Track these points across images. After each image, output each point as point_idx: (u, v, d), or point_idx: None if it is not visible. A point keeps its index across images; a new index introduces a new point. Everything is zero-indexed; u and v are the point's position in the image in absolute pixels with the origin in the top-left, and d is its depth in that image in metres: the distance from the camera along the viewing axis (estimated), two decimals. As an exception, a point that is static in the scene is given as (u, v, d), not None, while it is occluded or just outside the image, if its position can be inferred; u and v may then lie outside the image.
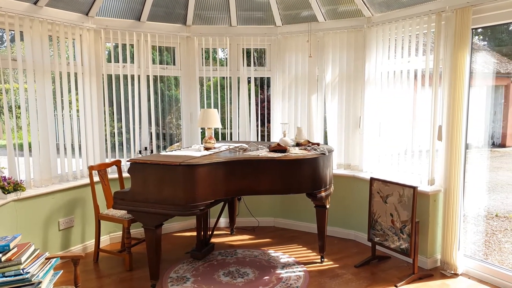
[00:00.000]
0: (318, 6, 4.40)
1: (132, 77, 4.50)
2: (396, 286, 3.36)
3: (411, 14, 3.79)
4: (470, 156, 4.29)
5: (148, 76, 4.56)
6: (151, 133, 4.65)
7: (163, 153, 3.72)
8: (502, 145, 7.38)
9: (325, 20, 4.54)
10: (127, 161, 3.50)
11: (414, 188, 3.43)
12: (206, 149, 3.80)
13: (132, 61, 4.49)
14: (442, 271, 3.62)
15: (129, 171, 3.20)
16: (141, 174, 3.15)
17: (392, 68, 4.05)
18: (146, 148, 4.60)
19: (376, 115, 4.26)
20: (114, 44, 4.43)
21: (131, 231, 3.71)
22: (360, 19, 4.33)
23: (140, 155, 4.51)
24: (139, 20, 4.45)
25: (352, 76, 4.44)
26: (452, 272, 3.55)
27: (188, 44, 4.76)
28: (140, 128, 4.56)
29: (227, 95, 4.89)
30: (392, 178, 3.78)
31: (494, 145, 7.37)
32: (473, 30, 3.43)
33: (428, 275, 3.56)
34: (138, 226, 3.60)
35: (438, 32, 3.55)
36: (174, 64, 4.84)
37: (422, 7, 3.70)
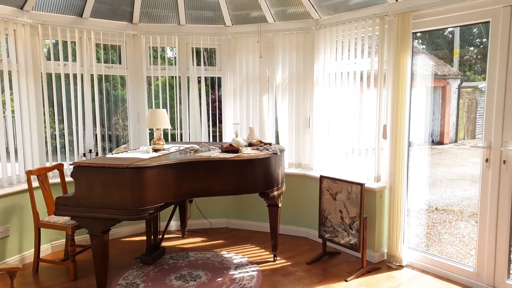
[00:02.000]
0: (268, 7, 4.43)
1: (75, 76, 4.26)
2: (346, 280, 3.46)
3: (357, 17, 3.92)
4: (413, 154, 4.54)
5: (92, 75, 4.34)
6: (96, 134, 4.43)
7: (109, 155, 3.56)
8: (440, 142, 7.93)
9: (275, 21, 4.58)
10: (70, 164, 3.32)
11: (362, 185, 3.55)
12: (155, 150, 3.69)
13: (74, 59, 4.25)
14: (389, 263, 3.78)
15: (72, 175, 3.02)
16: (85, 178, 2.99)
17: (339, 69, 4.17)
18: (90, 151, 4.38)
19: (324, 115, 4.36)
20: (54, 41, 4.17)
21: (75, 238, 3.51)
22: (308, 21, 4.41)
23: (84, 158, 4.29)
24: (81, 16, 4.22)
25: (301, 77, 4.51)
26: (398, 264, 3.72)
27: (135, 43, 4.60)
28: (84, 129, 4.33)
29: (176, 95, 4.77)
30: (340, 176, 3.89)
31: (433, 142, 7.90)
32: (414, 34, 3.62)
33: (375, 268, 3.70)
34: (83, 232, 3.42)
35: (382, 35, 3.70)
36: (120, 63, 4.65)
37: (367, 11, 3.84)
